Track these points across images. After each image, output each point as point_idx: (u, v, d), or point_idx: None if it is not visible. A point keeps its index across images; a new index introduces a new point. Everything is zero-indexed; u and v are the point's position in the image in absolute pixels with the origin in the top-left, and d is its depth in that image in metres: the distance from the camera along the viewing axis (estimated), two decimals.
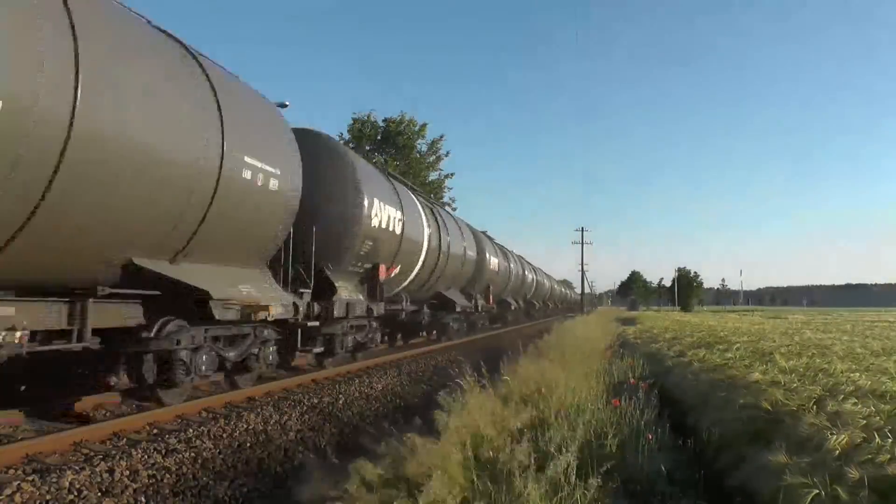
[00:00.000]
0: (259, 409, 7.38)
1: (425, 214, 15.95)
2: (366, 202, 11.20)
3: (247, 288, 8.06)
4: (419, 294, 16.64)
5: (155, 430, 6.40)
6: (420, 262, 15.16)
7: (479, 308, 22.99)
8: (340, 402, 8.47)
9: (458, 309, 19.61)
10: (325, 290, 10.54)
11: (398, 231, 13.19)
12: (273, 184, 8.24)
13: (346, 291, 11.24)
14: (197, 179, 6.80)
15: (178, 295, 6.91)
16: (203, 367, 7.60)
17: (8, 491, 4.25)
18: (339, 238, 10.88)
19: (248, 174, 7.67)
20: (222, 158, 7.10)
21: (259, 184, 7.92)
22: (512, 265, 34.48)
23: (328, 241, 10.48)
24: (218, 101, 7.22)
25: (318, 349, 10.78)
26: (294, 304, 8.99)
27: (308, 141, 10.17)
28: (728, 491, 4.02)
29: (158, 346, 6.89)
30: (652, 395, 6.10)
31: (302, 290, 9.54)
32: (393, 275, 13.18)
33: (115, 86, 5.57)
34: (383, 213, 12.21)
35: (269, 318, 8.21)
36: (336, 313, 10.55)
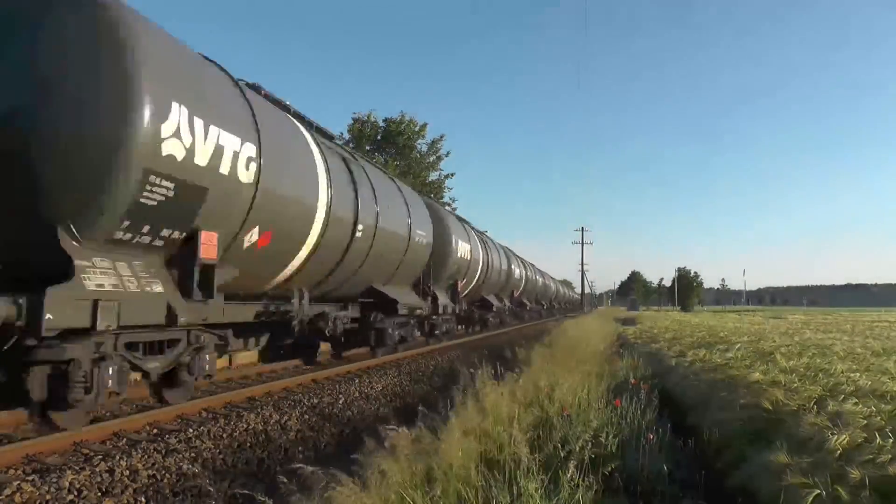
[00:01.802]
0: (259, 409, 7.37)
1: (479, 241, 22.26)
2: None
3: (409, 297, 14.31)
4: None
5: (155, 430, 6.39)
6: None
7: (507, 308, 26.40)
8: (340, 401, 8.47)
9: (494, 308, 23.78)
10: (434, 298, 16.16)
11: (468, 257, 19.50)
12: (424, 241, 14.57)
13: (443, 297, 16.84)
14: (404, 242, 13.30)
15: (384, 301, 12.76)
16: (397, 336, 13.72)
17: (8, 491, 4.25)
18: (440, 266, 16.78)
19: (416, 237, 13.95)
20: (410, 230, 13.58)
21: (419, 241, 14.18)
22: (528, 272, 34.68)
23: (436, 269, 16.29)
24: (406, 202, 13.91)
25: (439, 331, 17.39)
26: (424, 305, 15.05)
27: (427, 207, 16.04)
28: (729, 491, 4.02)
29: (378, 326, 12.76)
30: (653, 396, 6.10)
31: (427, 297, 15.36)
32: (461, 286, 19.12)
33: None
34: (462, 248, 18.55)
35: (416, 313, 14.61)
36: (439, 311, 16.68)
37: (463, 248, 19.03)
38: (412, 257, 14.09)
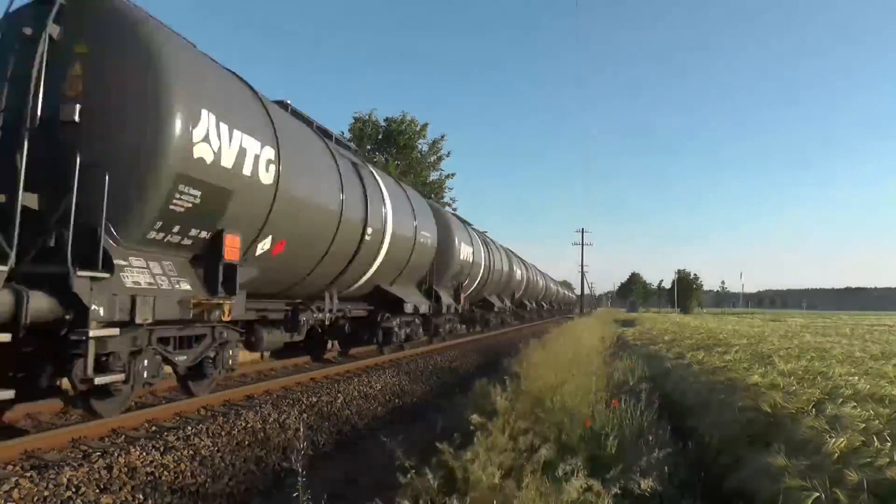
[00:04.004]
0: (258, 408, 7.37)
1: (482, 244, 22.63)
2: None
3: (415, 297, 14.67)
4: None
5: (153, 428, 6.40)
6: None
7: (508, 308, 27.40)
8: (339, 400, 8.47)
9: (495, 308, 24.59)
10: (437, 298, 16.56)
11: (470, 259, 19.77)
12: (429, 242, 14.91)
13: (446, 298, 17.39)
14: (410, 243, 13.52)
15: (390, 301, 13.24)
16: (402, 335, 14.18)
17: (6, 487, 4.25)
18: (444, 267, 17.22)
19: (421, 239, 14.17)
20: (415, 231, 13.87)
21: (424, 242, 14.39)
22: (529, 273, 35.35)
23: (439, 270, 16.78)
24: (412, 205, 14.12)
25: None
26: (428, 304, 15.53)
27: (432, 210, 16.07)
28: (727, 493, 4.02)
29: (386, 325, 13.20)
30: (652, 398, 6.10)
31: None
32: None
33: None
34: (465, 250, 18.97)
35: (421, 312, 14.99)
36: (443, 311, 17.17)
37: (466, 250, 19.35)
38: (417, 258, 14.29)
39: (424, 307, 15.35)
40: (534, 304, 41.35)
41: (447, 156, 38.14)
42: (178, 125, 5.84)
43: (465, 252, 19.18)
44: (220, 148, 6.46)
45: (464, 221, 22.19)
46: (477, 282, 22.28)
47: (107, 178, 5.37)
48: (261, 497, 4.89)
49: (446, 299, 17.58)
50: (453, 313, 19.08)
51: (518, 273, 32.26)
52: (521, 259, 35.99)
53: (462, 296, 19.68)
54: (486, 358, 15.71)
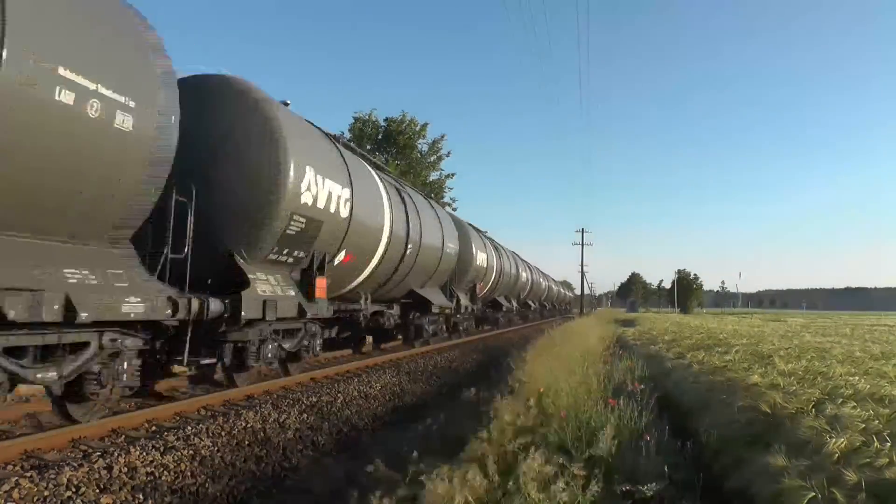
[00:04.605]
0: (258, 408, 7.37)
1: (493, 250, 24.16)
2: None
3: (440, 298, 16.72)
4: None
5: (154, 428, 6.40)
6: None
7: (514, 309, 28.26)
8: (339, 400, 8.48)
9: (503, 308, 25.43)
10: (457, 299, 18.52)
11: (484, 264, 21.67)
12: (453, 252, 17.76)
13: (464, 299, 19.29)
14: (438, 252, 15.55)
15: (421, 302, 15.21)
16: (430, 331, 16.42)
17: (6, 487, 4.25)
18: (463, 272, 19.55)
19: (447, 249, 16.84)
20: (442, 242, 16.25)
21: (449, 252, 16.91)
22: (533, 275, 37.22)
23: (459, 274, 19.16)
24: (439, 219, 16.41)
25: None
26: (451, 305, 17.70)
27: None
28: (727, 493, 4.02)
29: (417, 322, 15.56)
30: (651, 398, 6.10)
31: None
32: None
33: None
34: (480, 256, 20.54)
35: (445, 312, 17.03)
36: (462, 310, 19.43)
37: (481, 257, 21.73)
38: (444, 265, 16.74)
39: (448, 307, 17.73)
40: (537, 305, 43.39)
41: (447, 156, 38.14)
42: (292, 177, 8.13)
43: (480, 258, 21.50)
44: (317, 192, 8.81)
45: (479, 231, 24.21)
46: (489, 284, 24.54)
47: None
48: (261, 497, 4.89)
49: (464, 301, 19.66)
50: (469, 313, 21.62)
51: (524, 275, 34.58)
52: (526, 262, 38.23)
53: (477, 297, 21.90)
54: (495, 353, 16.70)
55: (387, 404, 8.97)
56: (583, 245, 67.61)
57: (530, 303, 39.77)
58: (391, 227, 12.06)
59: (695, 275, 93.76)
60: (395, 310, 14.55)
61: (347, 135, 34.60)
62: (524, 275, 34.72)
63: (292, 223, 8.27)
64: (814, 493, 3.03)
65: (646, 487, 3.50)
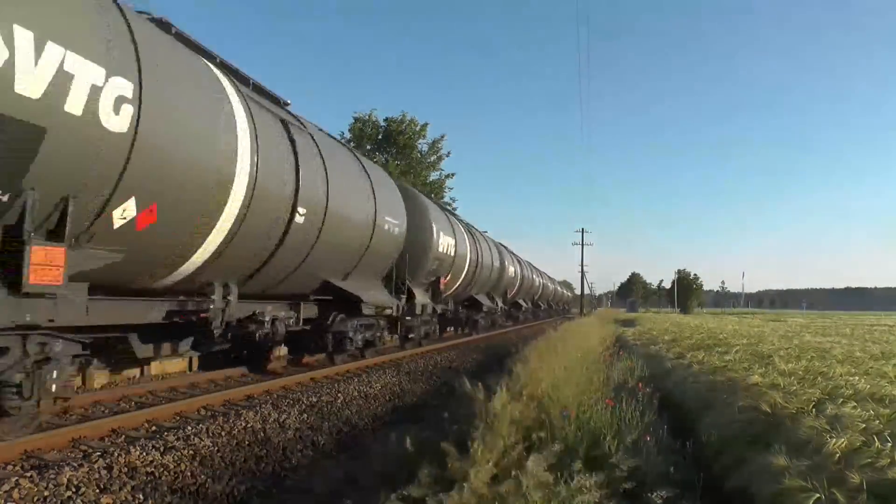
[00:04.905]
0: (258, 408, 7.37)
1: (467, 236, 21.49)
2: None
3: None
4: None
5: (154, 428, 6.40)
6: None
7: (499, 309, 28.30)
8: (339, 400, 8.47)
9: (484, 309, 24.68)
10: (410, 297, 15.25)
11: (452, 252, 18.71)
12: (396, 230, 12.99)
13: (421, 296, 16.28)
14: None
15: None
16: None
17: (6, 487, 4.25)
18: (417, 260, 15.71)
19: (385, 226, 12.25)
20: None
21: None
22: (525, 271, 36.41)
23: (412, 263, 15.21)
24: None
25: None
26: (397, 304, 14.09)
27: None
28: (727, 493, 4.01)
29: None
30: (651, 398, 6.10)
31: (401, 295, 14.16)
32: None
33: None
34: (445, 241, 17.85)
35: (386, 313, 13.60)
36: (417, 311, 15.59)
37: (446, 242, 17.03)
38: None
39: (390, 307, 13.25)
40: (529, 304, 39.97)
41: (447, 155, 38.14)
42: (434, 237, 15.27)
43: (444, 243, 16.83)
44: (442, 243, 16.10)
45: (446, 209, 20.13)
46: (462, 278, 19.65)
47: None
48: (261, 497, 4.88)
49: (421, 298, 15.43)
50: (430, 314, 16.72)
51: (511, 270, 30.09)
52: (514, 255, 33.80)
53: (442, 294, 17.58)
54: (519, 342, 14.66)
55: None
56: (583, 245, 67.62)
57: (521, 302, 35.72)
58: (467, 253, 11.30)
59: (695, 275, 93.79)
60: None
61: (347, 135, 34.59)
62: (511, 269, 30.10)
63: (435, 261, 17.08)
64: (817, 495, 3.02)
65: (654, 495, 3.48)
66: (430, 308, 16.46)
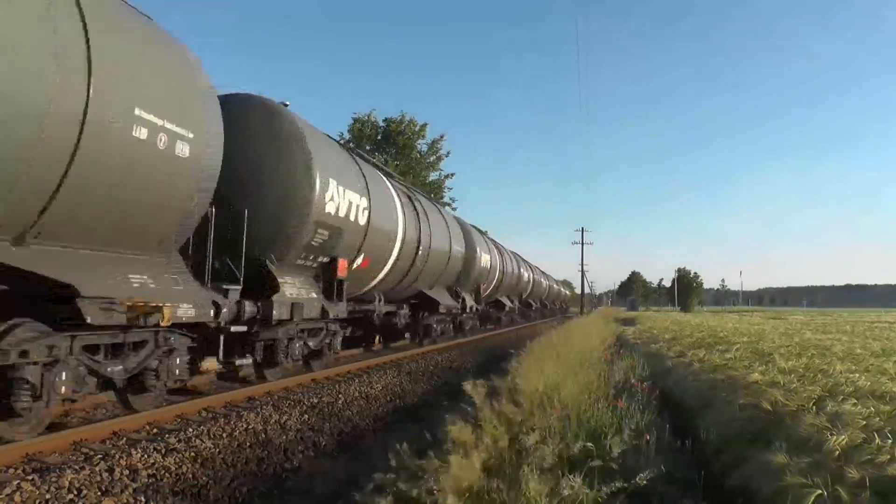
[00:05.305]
0: (259, 409, 7.37)
1: (495, 250, 24.94)
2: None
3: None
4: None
5: (155, 430, 6.39)
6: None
7: (517, 308, 29.78)
8: (340, 401, 8.47)
9: (506, 308, 26.48)
10: (462, 300, 19.19)
11: (488, 266, 22.14)
12: (460, 254, 16.89)
13: (469, 299, 19.82)
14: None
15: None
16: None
17: (8, 490, 4.24)
18: (468, 273, 19.64)
19: (454, 252, 16.55)
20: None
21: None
22: (535, 275, 38.58)
23: (464, 275, 19.34)
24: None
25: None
26: (457, 305, 18.01)
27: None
28: (728, 491, 4.02)
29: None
30: (652, 396, 6.10)
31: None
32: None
33: None
34: (484, 258, 21.25)
35: (452, 312, 17.89)
36: (467, 310, 19.75)
37: (484, 258, 22.32)
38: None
39: (455, 307, 18.47)
40: (538, 304, 44.06)
41: (447, 156, 38.14)
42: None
43: (483, 260, 22.11)
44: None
45: (481, 232, 25.20)
46: (492, 285, 25.17)
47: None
48: (262, 498, 4.88)
49: (469, 301, 20.35)
50: (473, 312, 22.25)
51: (526, 275, 35.24)
52: (527, 262, 38.99)
53: (481, 297, 22.70)
54: (497, 352, 16.11)
55: (388, 405, 8.97)
56: (583, 244, 67.68)
57: (532, 302, 40.45)
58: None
59: (695, 273, 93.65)
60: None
61: (346, 135, 34.58)
62: (526, 275, 35.44)
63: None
64: (818, 491, 3.03)
65: (638, 478, 3.51)
66: (474, 308, 21.57)
